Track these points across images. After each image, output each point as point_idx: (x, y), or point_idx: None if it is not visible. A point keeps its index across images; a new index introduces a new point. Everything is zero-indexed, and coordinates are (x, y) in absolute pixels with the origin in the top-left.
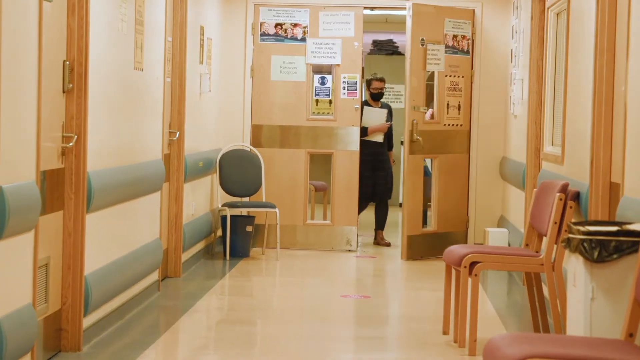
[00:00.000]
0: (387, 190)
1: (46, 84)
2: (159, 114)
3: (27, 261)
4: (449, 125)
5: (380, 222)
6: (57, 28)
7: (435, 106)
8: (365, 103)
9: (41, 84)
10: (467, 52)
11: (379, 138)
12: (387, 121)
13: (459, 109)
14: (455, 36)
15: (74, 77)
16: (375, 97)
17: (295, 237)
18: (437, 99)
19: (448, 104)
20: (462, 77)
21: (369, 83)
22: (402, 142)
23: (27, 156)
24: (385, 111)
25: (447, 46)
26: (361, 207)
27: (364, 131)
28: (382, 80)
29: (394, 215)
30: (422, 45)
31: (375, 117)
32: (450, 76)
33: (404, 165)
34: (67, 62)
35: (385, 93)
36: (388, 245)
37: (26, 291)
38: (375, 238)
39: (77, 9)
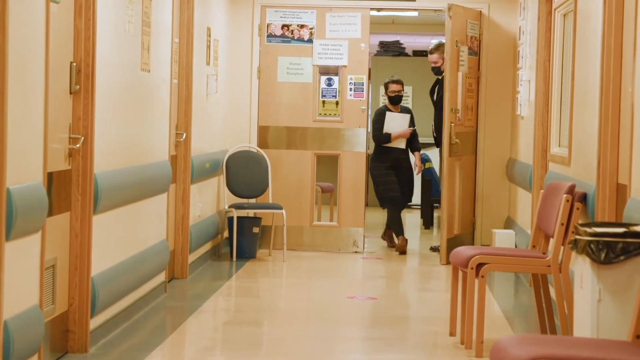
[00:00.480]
0: (410, 195)
1: (53, 85)
2: (165, 115)
3: (34, 262)
4: (467, 126)
5: (400, 227)
6: (64, 29)
7: (460, 108)
8: (385, 108)
9: (48, 85)
10: (475, 53)
11: (401, 144)
12: (410, 126)
13: (472, 110)
14: (472, 37)
15: (81, 79)
16: (394, 100)
17: (302, 238)
18: (462, 101)
19: (467, 106)
20: (475, 78)
21: (386, 87)
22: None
23: (34, 157)
24: (408, 116)
25: (469, 48)
26: (395, 217)
27: (387, 137)
28: (399, 82)
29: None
30: (457, 46)
31: (399, 122)
32: (468, 78)
33: (443, 169)
34: (74, 64)
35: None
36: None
37: (33, 292)
38: (391, 242)
39: (84, 10)
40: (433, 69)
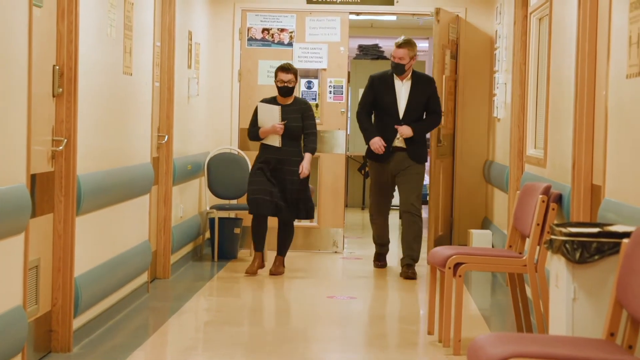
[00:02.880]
0: (297, 209)
1: (36, 88)
2: (147, 118)
3: (17, 263)
4: (446, 129)
5: (258, 239)
6: (47, 33)
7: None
8: (269, 100)
9: (31, 88)
10: (451, 57)
11: (274, 141)
12: (283, 120)
13: (451, 112)
14: (451, 41)
15: (64, 82)
16: (283, 92)
17: None
18: (445, 103)
19: (448, 109)
20: (454, 81)
21: (275, 74)
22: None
23: (18, 159)
24: (277, 108)
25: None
26: (255, 225)
27: (254, 133)
28: (290, 70)
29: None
30: (442, 50)
31: (269, 116)
32: (450, 81)
33: (431, 169)
34: (57, 67)
35: None
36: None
37: (16, 293)
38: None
39: (67, 14)
40: (396, 65)
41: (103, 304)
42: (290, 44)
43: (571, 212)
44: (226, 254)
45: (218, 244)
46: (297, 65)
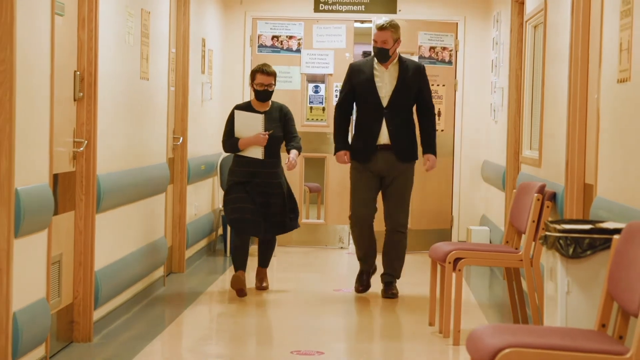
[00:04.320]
0: (282, 226)
1: (58, 92)
2: (163, 121)
3: (41, 258)
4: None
5: (239, 259)
6: (69, 40)
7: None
8: (244, 105)
9: (53, 92)
10: (449, 62)
11: (256, 154)
12: (267, 130)
13: (439, 115)
14: (433, 47)
15: (84, 86)
16: (261, 96)
17: (291, 235)
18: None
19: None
20: (444, 85)
21: (252, 76)
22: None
23: (41, 160)
24: (260, 117)
25: (421, 57)
26: (237, 246)
27: (233, 144)
28: (269, 73)
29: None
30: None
31: (249, 124)
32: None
33: None
34: (78, 72)
35: None
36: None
37: (40, 286)
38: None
39: (87, 22)
40: (379, 50)
41: (122, 296)
42: (298, 51)
43: (565, 209)
44: None
45: (230, 240)
46: (305, 70)
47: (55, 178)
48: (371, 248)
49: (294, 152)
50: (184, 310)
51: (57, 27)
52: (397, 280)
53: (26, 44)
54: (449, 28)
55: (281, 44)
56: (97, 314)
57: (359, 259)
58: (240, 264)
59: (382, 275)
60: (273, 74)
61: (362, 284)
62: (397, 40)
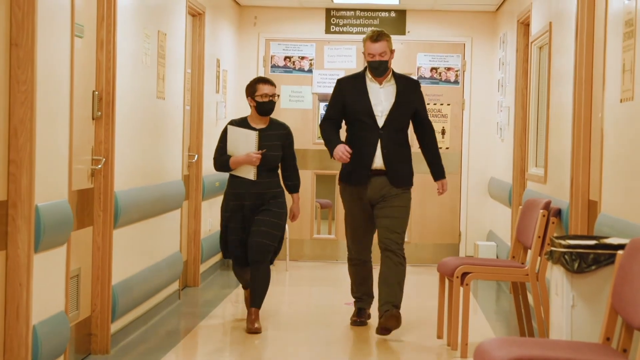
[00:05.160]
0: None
1: (77, 112)
2: (179, 139)
3: (60, 272)
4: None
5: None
6: (88, 61)
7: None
8: (239, 121)
9: (73, 112)
10: (456, 82)
11: (248, 174)
12: (260, 149)
13: (443, 133)
14: (435, 68)
15: (103, 106)
16: (263, 109)
17: (303, 250)
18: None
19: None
20: (449, 104)
21: (253, 89)
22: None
23: (60, 177)
24: (254, 134)
25: (421, 77)
26: (238, 273)
27: (224, 162)
28: (271, 82)
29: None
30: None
31: (242, 142)
32: (429, 104)
33: None
34: (96, 92)
35: None
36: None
37: (59, 300)
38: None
39: (105, 44)
40: (379, 65)
41: (138, 309)
42: (310, 71)
43: (570, 225)
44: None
45: None
46: (316, 90)
47: (74, 194)
48: (370, 283)
49: (296, 198)
50: (198, 323)
51: (77, 49)
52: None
53: (47, 65)
54: (456, 49)
55: (293, 64)
56: (114, 327)
57: (357, 297)
58: (246, 283)
59: (380, 307)
60: (274, 85)
61: (362, 315)
62: (392, 51)
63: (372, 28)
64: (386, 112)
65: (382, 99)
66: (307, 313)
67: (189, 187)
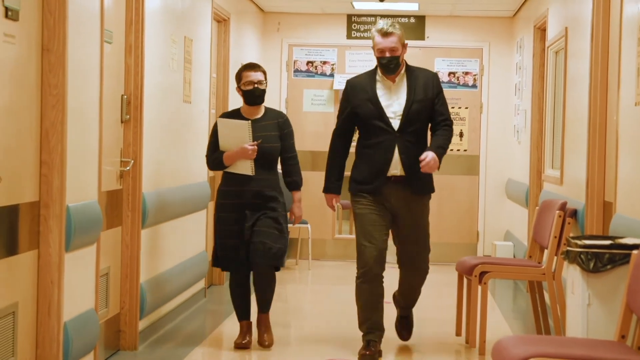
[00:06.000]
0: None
1: (106, 115)
2: (205, 141)
3: (90, 271)
4: (452, 150)
5: (242, 307)
6: (116, 66)
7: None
8: (230, 113)
9: (102, 115)
10: (474, 86)
11: (245, 169)
12: (254, 140)
13: (461, 136)
14: (453, 73)
15: (131, 109)
16: (251, 97)
17: (325, 249)
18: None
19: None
20: (467, 108)
21: (238, 77)
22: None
23: (90, 178)
24: (246, 124)
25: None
26: (233, 290)
27: (217, 159)
28: (257, 68)
29: None
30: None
31: (235, 135)
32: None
33: None
34: (125, 96)
35: None
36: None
37: (89, 297)
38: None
39: (134, 49)
40: (389, 61)
41: (165, 307)
42: (331, 75)
43: (585, 226)
44: None
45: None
46: (337, 94)
47: (104, 195)
48: (380, 311)
49: (297, 196)
50: (223, 320)
51: (106, 54)
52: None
53: (77, 70)
54: (474, 54)
55: (315, 68)
56: (142, 324)
57: (367, 326)
58: (243, 312)
59: (398, 311)
60: (263, 71)
61: (373, 347)
62: (404, 45)
63: (381, 19)
64: (400, 113)
65: (394, 98)
66: (328, 311)
67: (214, 188)
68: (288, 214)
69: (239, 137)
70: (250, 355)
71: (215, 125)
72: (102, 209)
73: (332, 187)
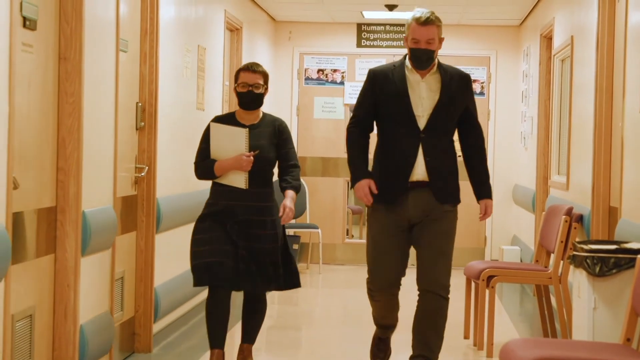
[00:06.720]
0: (267, 279)
1: (122, 122)
2: None
3: (105, 275)
4: (460, 156)
5: (217, 331)
6: (131, 74)
7: None
8: (224, 117)
9: (117, 122)
10: (481, 94)
11: (238, 181)
12: (251, 150)
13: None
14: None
15: (145, 116)
16: (245, 101)
17: (335, 253)
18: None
19: None
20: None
21: (236, 78)
22: None
23: (106, 184)
24: (243, 131)
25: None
26: (211, 310)
27: (208, 168)
28: (256, 70)
29: None
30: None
31: (229, 142)
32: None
33: None
34: (140, 104)
35: None
36: None
37: (105, 301)
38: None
39: (148, 58)
40: (423, 53)
41: (179, 310)
42: (342, 83)
43: (591, 230)
44: None
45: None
46: (348, 101)
47: (119, 201)
48: (395, 314)
49: (290, 194)
50: (236, 324)
51: (121, 63)
52: None
53: (93, 78)
54: (482, 62)
55: (326, 76)
56: (157, 327)
57: (381, 325)
58: (216, 339)
59: (412, 357)
60: (262, 73)
61: (382, 349)
62: (441, 39)
63: (419, 8)
64: (428, 111)
65: (423, 95)
66: (339, 314)
67: None
68: (280, 210)
69: (233, 145)
70: (262, 358)
71: (208, 130)
72: (117, 214)
73: (360, 174)
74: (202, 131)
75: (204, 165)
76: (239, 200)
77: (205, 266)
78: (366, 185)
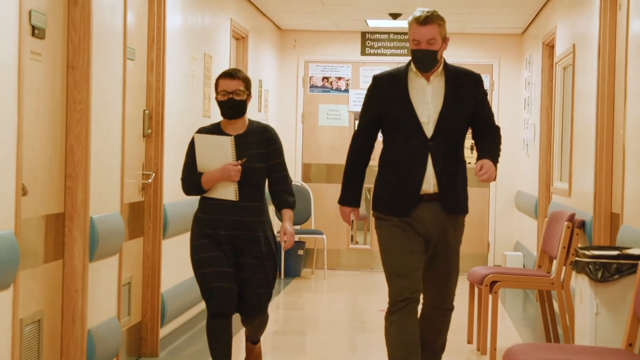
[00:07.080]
0: (258, 298)
1: (129, 129)
2: None
3: (113, 280)
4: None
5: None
6: (139, 82)
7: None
8: (209, 128)
9: (125, 129)
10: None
11: (228, 194)
12: (239, 159)
13: (472, 149)
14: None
15: (152, 124)
16: (227, 109)
17: (340, 259)
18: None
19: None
20: None
21: (215, 86)
22: None
23: (113, 191)
24: (229, 140)
25: None
26: (213, 334)
27: (194, 182)
28: (235, 76)
29: None
30: None
31: (215, 153)
32: None
33: None
34: (147, 111)
35: None
36: None
37: (112, 306)
38: None
39: (155, 66)
40: (424, 54)
41: (185, 315)
42: (346, 90)
43: (593, 236)
44: (291, 272)
45: (284, 264)
46: (352, 108)
47: (126, 207)
48: (417, 345)
49: (288, 215)
50: (241, 328)
51: (129, 71)
52: None
53: (101, 86)
54: (484, 69)
55: (331, 84)
56: (164, 331)
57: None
58: (220, 356)
59: None
60: (242, 79)
61: None
62: (445, 39)
63: (421, 7)
64: (435, 117)
65: (428, 99)
66: (343, 319)
67: None
68: (278, 236)
69: (220, 155)
70: None
71: (193, 142)
72: (124, 220)
73: (349, 197)
74: None
75: (191, 179)
76: (230, 213)
77: (211, 292)
78: (349, 212)
